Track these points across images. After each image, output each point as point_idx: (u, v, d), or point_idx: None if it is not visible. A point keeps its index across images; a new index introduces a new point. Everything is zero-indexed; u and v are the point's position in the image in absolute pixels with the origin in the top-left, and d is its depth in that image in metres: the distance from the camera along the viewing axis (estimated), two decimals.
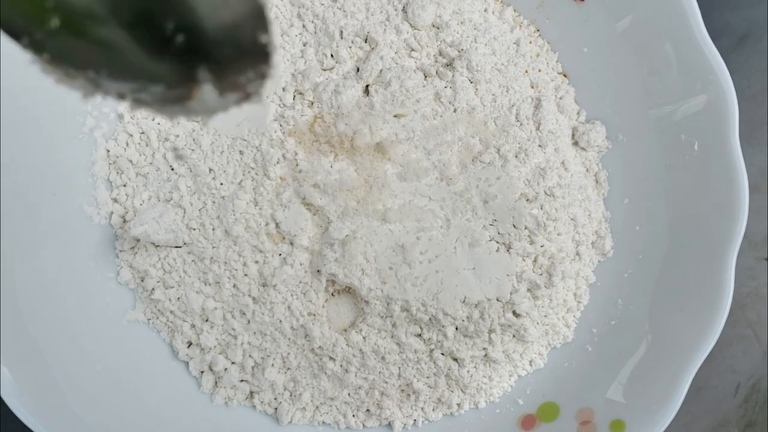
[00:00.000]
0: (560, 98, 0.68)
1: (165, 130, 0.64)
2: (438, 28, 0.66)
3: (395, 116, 0.63)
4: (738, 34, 0.80)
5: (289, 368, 0.63)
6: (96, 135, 0.64)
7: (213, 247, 0.62)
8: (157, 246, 0.63)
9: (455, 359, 0.63)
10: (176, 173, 0.63)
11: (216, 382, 0.64)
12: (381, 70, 0.64)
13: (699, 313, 0.60)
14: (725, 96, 0.59)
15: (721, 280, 0.60)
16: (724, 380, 0.78)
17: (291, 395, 0.64)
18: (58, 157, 0.62)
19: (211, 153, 0.63)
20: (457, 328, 0.62)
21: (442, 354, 0.62)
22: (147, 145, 0.64)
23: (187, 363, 0.65)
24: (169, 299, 0.63)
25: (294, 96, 0.64)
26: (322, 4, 0.65)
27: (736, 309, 0.71)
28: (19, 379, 0.53)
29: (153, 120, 0.65)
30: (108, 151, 0.64)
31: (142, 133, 0.65)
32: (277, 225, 0.61)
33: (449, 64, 0.65)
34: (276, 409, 0.64)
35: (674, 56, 0.61)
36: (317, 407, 0.64)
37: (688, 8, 0.59)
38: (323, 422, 0.65)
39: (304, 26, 0.66)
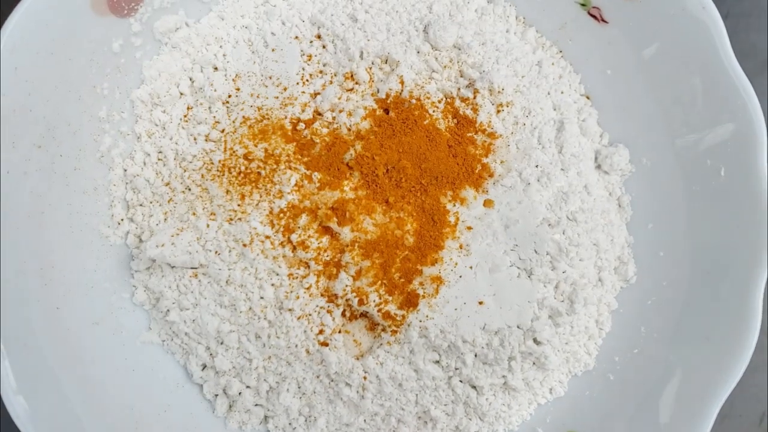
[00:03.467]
0: (583, 120, 0.67)
1: (182, 150, 0.64)
2: (459, 49, 0.65)
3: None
4: (764, 56, 0.79)
5: (304, 393, 0.62)
6: (113, 154, 0.63)
7: (229, 270, 0.61)
8: (172, 267, 0.62)
9: (474, 387, 0.61)
10: (193, 194, 0.63)
11: (230, 406, 0.63)
12: (401, 91, 0.63)
13: (726, 343, 0.58)
14: (754, 124, 0.58)
15: (749, 310, 0.58)
16: (750, 408, 0.76)
17: (306, 420, 0.63)
18: (75, 176, 0.61)
19: (228, 173, 0.62)
20: (476, 356, 0.60)
21: (461, 381, 0.61)
22: (164, 165, 0.64)
23: (201, 386, 0.64)
24: (184, 321, 0.62)
25: (313, 116, 0.63)
26: (343, 24, 0.65)
27: (761, 336, 0.69)
28: (34, 406, 0.53)
29: (170, 140, 0.64)
30: (125, 170, 0.64)
31: (160, 152, 0.64)
32: (293, 248, 0.60)
33: (470, 85, 0.65)
34: None
35: (701, 87, 0.60)
36: None
37: (716, 36, 0.58)
38: None
39: (324, 46, 0.65)
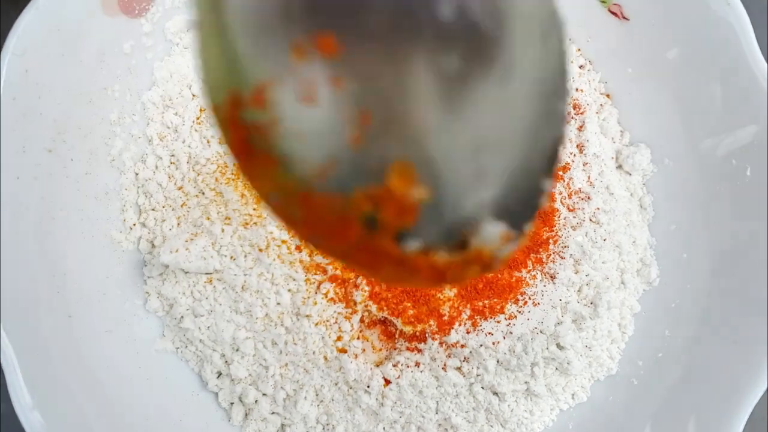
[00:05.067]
0: (603, 120, 0.65)
1: (196, 153, 0.62)
2: None
3: None
4: None
5: (322, 401, 0.61)
6: (124, 158, 0.62)
7: (245, 275, 0.59)
8: (186, 273, 0.60)
9: (496, 393, 0.60)
10: (207, 198, 0.61)
11: (246, 414, 0.62)
12: None
13: (753, 348, 0.57)
14: None
15: None
16: None
17: (324, 429, 0.61)
18: (86, 180, 0.60)
19: (243, 176, 0.61)
20: (498, 362, 0.59)
21: (482, 388, 0.60)
22: (177, 169, 0.62)
23: (217, 394, 0.62)
24: (199, 328, 0.61)
25: None
26: None
27: None
28: (48, 420, 0.51)
29: (183, 143, 0.63)
30: (137, 174, 0.62)
31: (172, 155, 0.63)
32: (310, 252, 0.59)
33: None
34: None
35: (725, 87, 0.59)
36: None
37: (741, 35, 0.57)
38: None
39: None
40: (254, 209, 0.60)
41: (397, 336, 0.60)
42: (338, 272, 0.59)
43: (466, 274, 0.28)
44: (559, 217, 0.60)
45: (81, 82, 0.58)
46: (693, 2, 0.59)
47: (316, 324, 0.59)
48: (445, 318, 0.58)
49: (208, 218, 0.60)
